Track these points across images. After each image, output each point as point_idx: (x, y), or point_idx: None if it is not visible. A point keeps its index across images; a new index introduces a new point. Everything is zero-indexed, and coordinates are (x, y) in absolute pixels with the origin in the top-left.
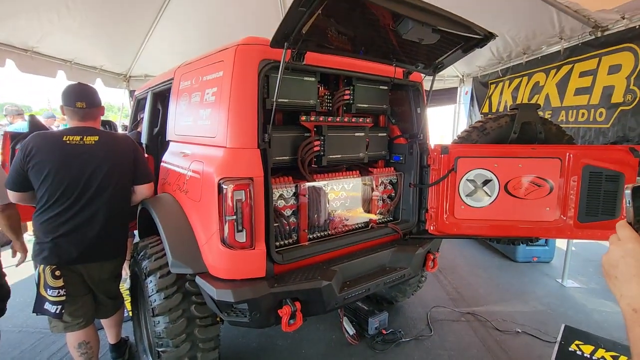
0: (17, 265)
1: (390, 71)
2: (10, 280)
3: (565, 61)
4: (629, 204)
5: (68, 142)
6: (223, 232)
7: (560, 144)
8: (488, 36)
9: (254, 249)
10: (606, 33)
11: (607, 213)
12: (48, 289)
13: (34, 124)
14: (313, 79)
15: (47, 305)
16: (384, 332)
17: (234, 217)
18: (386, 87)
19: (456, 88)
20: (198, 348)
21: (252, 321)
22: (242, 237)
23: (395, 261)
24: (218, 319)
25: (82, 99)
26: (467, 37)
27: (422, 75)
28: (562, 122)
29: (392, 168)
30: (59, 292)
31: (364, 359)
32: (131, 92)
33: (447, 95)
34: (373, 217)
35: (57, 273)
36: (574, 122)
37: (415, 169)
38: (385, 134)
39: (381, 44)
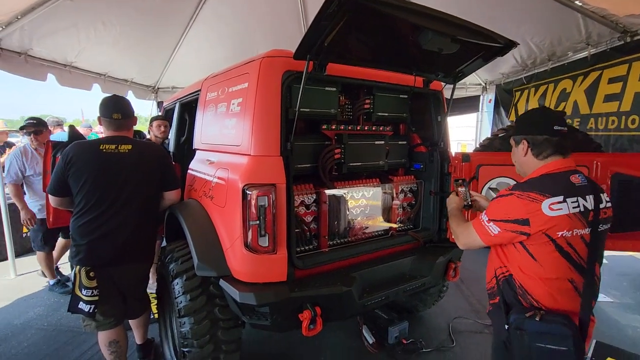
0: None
1: (410, 80)
2: (44, 281)
3: (592, 67)
4: None
5: (104, 150)
6: (246, 236)
7: (587, 152)
8: (509, 44)
9: (276, 253)
10: (636, 38)
11: (638, 223)
12: (83, 289)
13: (73, 134)
14: (334, 89)
15: (81, 305)
16: (405, 341)
17: (257, 222)
18: (406, 96)
19: (479, 96)
20: (221, 349)
21: (273, 324)
22: (264, 242)
23: (416, 269)
24: (240, 321)
25: (118, 110)
26: (487, 46)
27: (443, 83)
28: (592, 130)
29: (413, 176)
30: (92, 292)
31: None
32: (159, 104)
33: (469, 103)
34: (393, 224)
35: (92, 274)
36: (604, 130)
37: (435, 177)
38: (405, 142)
39: (401, 54)
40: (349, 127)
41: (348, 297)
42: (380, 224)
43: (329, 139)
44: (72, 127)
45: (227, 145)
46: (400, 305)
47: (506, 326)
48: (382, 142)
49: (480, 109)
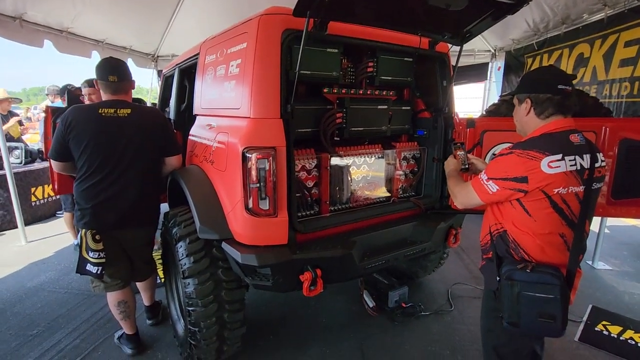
0: None
1: (415, 42)
2: (55, 247)
3: (610, 30)
4: None
5: (103, 114)
6: (247, 199)
7: (596, 117)
8: (521, 1)
9: (276, 216)
10: None
11: None
12: (89, 252)
13: (72, 96)
14: (336, 50)
15: (88, 267)
16: (404, 305)
17: (258, 185)
18: (411, 59)
19: (487, 64)
20: (224, 309)
21: (275, 285)
22: (265, 205)
23: (416, 235)
24: (243, 283)
25: (114, 72)
26: (497, 2)
27: (449, 45)
28: (605, 97)
29: (416, 142)
30: (99, 255)
31: (383, 329)
32: (159, 72)
33: (477, 71)
34: (395, 191)
35: (97, 237)
36: (617, 97)
37: (439, 143)
38: (409, 108)
39: (406, 11)
40: (351, 91)
41: (348, 259)
42: (381, 190)
43: (330, 103)
44: (69, 89)
45: (227, 109)
46: (401, 272)
47: (497, 278)
48: (385, 107)
49: (488, 77)
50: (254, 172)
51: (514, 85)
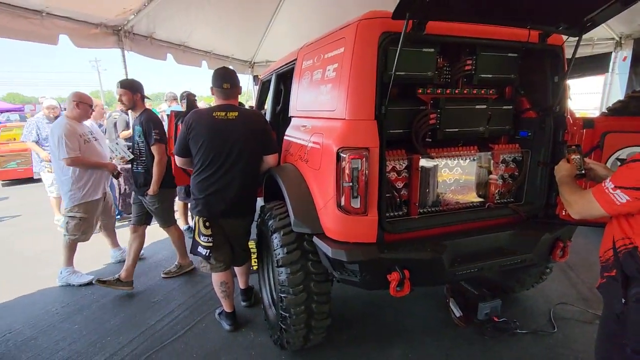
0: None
1: (522, 35)
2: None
3: None
4: None
5: (216, 117)
6: (339, 197)
7: None
8: None
9: (367, 215)
10: None
11: None
12: (201, 236)
13: (190, 103)
14: (432, 50)
15: (199, 249)
16: (496, 319)
17: (350, 184)
18: (516, 54)
19: (609, 54)
20: (313, 300)
21: (362, 282)
22: (356, 203)
23: (515, 244)
24: (330, 277)
25: (227, 80)
26: None
27: (564, 37)
28: None
29: (517, 144)
30: (208, 239)
31: (470, 342)
32: (254, 77)
33: (596, 63)
34: (490, 195)
35: (207, 224)
36: None
37: (547, 145)
38: (510, 107)
39: (513, 4)
40: (447, 91)
41: (438, 264)
42: (475, 194)
43: (424, 103)
44: (189, 97)
45: (322, 111)
46: (493, 283)
47: (623, 300)
48: (484, 107)
49: (610, 70)
50: (347, 172)
51: None
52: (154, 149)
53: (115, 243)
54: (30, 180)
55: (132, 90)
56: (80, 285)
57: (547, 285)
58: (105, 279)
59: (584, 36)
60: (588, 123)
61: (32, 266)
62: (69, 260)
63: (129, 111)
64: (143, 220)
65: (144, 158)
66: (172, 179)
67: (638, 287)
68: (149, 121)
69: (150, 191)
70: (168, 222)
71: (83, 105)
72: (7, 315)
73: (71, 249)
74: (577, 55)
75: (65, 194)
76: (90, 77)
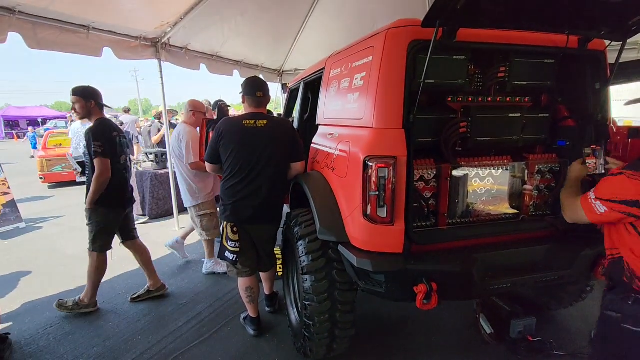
0: None
1: (560, 41)
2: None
3: None
4: None
5: (246, 125)
6: (366, 206)
7: None
8: None
9: (393, 225)
10: None
11: None
12: (228, 241)
13: (222, 111)
14: (463, 57)
15: (227, 254)
16: (530, 339)
17: (377, 192)
18: (552, 60)
19: None
20: (337, 308)
21: (387, 292)
22: (383, 213)
23: (552, 259)
24: (355, 286)
25: (260, 89)
26: None
27: (606, 42)
28: None
29: (555, 154)
30: (235, 245)
31: None
32: (283, 86)
33: None
34: (525, 207)
35: (235, 229)
36: None
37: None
38: (547, 115)
39: (551, 9)
40: (479, 99)
41: (467, 277)
42: (508, 205)
43: (454, 111)
44: (221, 105)
45: (349, 120)
46: (527, 300)
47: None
48: (518, 115)
49: None
50: (373, 180)
51: None
52: (95, 162)
53: (210, 253)
54: (73, 183)
55: (84, 97)
56: (223, 274)
57: (588, 304)
58: (139, 293)
59: (629, 40)
60: (634, 132)
61: (72, 265)
62: (212, 253)
63: (84, 120)
64: (129, 235)
65: (88, 172)
66: (117, 199)
67: (612, 295)
68: (92, 132)
69: (86, 205)
70: (93, 244)
71: (198, 114)
72: (47, 309)
73: (211, 243)
74: (621, 60)
75: (194, 195)
76: (130, 87)
